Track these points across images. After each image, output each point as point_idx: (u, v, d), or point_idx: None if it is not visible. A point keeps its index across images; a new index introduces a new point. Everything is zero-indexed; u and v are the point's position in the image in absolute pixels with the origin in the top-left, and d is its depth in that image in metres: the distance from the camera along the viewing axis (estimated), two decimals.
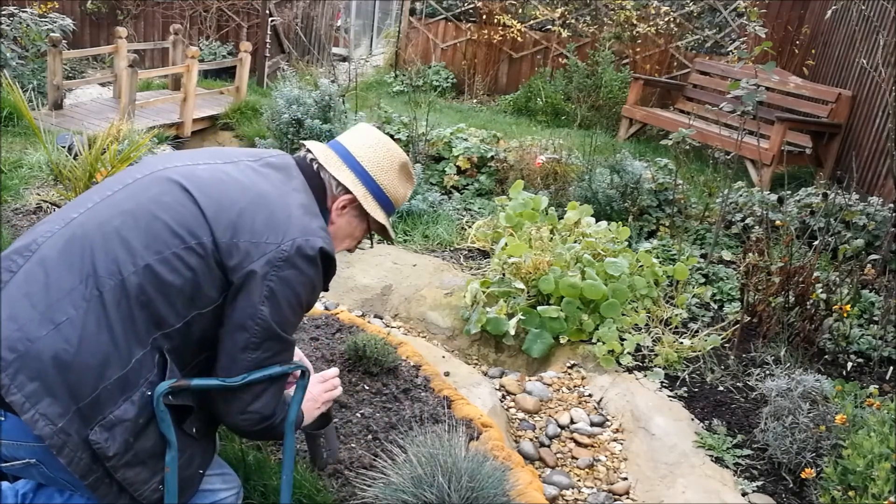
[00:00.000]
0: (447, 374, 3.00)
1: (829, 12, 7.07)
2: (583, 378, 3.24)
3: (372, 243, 2.15)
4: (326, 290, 1.78)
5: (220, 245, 1.58)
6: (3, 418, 1.50)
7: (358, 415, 2.59)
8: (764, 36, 4.36)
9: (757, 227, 4.51)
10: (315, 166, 1.84)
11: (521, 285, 3.58)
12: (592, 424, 2.93)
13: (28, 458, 1.53)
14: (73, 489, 1.64)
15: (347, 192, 1.83)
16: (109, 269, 1.53)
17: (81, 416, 1.47)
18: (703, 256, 4.31)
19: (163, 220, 1.58)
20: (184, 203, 1.61)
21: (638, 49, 9.04)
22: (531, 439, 2.82)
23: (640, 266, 3.78)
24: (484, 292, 3.61)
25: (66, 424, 1.46)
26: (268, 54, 9.11)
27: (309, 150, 1.87)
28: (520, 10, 9.52)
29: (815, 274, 3.41)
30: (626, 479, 2.63)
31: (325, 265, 1.69)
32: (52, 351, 1.46)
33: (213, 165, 1.74)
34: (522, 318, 3.42)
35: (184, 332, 1.59)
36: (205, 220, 1.59)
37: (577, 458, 2.73)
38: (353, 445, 2.42)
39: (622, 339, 3.36)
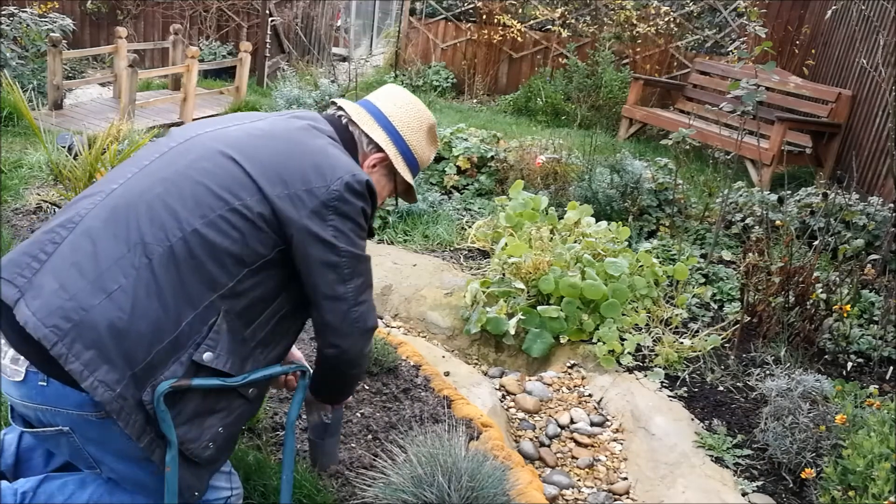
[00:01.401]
0: (447, 373, 3.00)
1: (829, 12, 7.07)
2: (583, 378, 3.24)
3: (397, 203, 2.15)
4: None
5: (272, 200, 1.61)
6: (45, 384, 1.52)
7: (358, 414, 2.59)
8: (764, 36, 4.36)
9: (757, 227, 4.51)
10: (345, 122, 1.86)
11: (521, 285, 3.58)
12: (592, 424, 2.93)
13: (62, 426, 1.56)
14: (95, 465, 1.65)
15: (379, 150, 1.86)
16: (157, 236, 1.55)
17: (136, 381, 1.51)
18: (703, 256, 4.31)
19: (204, 185, 1.60)
20: (224, 165, 1.63)
21: (638, 49, 9.03)
22: (531, 439, 2.81)
23: (640, 266, 3.78)
24: (484, 292, 3.61)
25: (122, 389, 1.49)
26: (268, 54, 9.11)
27: (340, 108, 1.88)
28: (520, 10, 9.52)
29: (815, 274, 3.41)
30: (626, 478, 2.63)
31: (371, 197, 1.73)
32: (107, 319, 1.48)
33: (243, 125, 1.77)
34: (522, 317, 3.41)
35: (238, 292, 1.61)
36: (250, 180, 1.61)
37: (577, 458, 2.73)
38: (353, 445, 2.42)
39: (622, 339, 3.36)
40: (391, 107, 1.89)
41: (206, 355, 1.57)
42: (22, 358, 1.54)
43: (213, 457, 1.66)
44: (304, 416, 2.27)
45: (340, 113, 1.87)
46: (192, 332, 1.56)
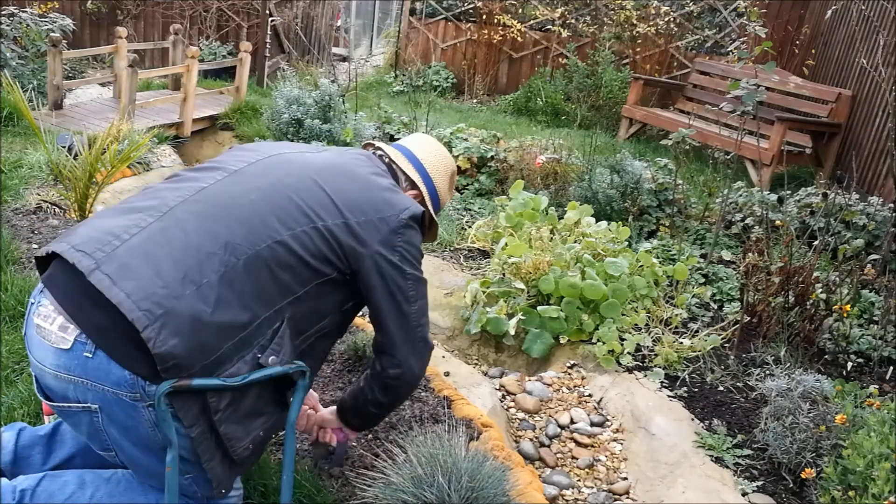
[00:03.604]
0: (447, 374, 3.00)
1: (829, 12, 7.08)
2: (583, 378, 3.24)
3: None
4: None
5: (351, 225, 1.79)
6: (90, 355, 1.54)
7: None
8: (764, 36, 4.36)
9: (757, 227, 4.51)
10: (386, 160, 2.07)
11: (521, 285, 3.58)
12: (592, 424, 2.93)
13: (91, 403, 1.58)
14: (110, 448, 1.65)
15: (414, 188, 2.07)
16: (247, 239, 1.66)
17: (204, 372, 1.57)
18: (703, 256, 4.31)
19: (294, 201, 1.76)
20: (311, 187, 1.80)
21: (638, 49, 9.04)
22: (531, 439, 2.82)
23: (640, 266, 3.78)
24: (484, 292, 3.61)
25: (188, 377, 1.54)
26: (268, 54, 9.11)
27: (379, 148, 2.11)
28: (520, 10, 9.52)
29: (815, 274, 3.42)
30: (626, 478, 2.63)
31: (422, 228, 1.97)
32: (193, 311, 1.55)
33: (320, 155, 1.96)
34: (522, 318, 3.42)
35: (304, 300, 1.74)
36: (334, 206, 1.79)
37: (577, 458, 2.73)
38: (353, 445, 2.42)
39: (622, 339, 3.36)
40: (422, 151, 2.13)
41: (272, 359, 1.66)
42: (72, 327, 1.55)
43: (248, 458, 1.74)
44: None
45: (381, 153, 2.09)
46: (259, 333, 1.65)
